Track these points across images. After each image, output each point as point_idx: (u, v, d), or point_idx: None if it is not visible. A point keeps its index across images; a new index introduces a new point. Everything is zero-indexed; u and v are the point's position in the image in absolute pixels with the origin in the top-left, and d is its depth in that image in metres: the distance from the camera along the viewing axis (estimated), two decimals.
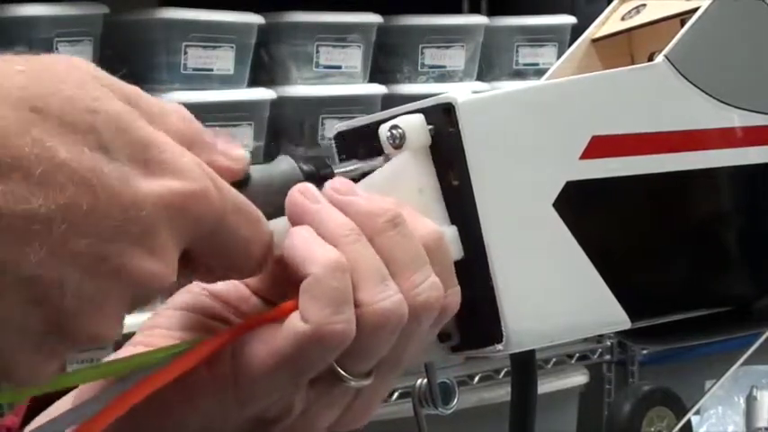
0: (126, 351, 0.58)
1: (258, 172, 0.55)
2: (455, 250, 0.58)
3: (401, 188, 0.58)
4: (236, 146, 0.54)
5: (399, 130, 0.59)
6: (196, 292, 0.59)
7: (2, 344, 0.46)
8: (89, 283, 0.46)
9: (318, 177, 0.57)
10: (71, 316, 0.46)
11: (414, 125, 0.59)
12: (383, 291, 0.53)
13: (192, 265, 0.52)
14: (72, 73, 0.47)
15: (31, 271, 0.45)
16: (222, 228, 0.50)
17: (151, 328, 0.58)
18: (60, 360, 0.48)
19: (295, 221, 0.54)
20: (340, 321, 0.52)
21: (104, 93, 0.48)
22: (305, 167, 0.57)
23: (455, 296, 0.57)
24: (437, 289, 0.55)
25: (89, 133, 0.46)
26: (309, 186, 0.55)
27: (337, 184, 0.56)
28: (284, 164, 0.57)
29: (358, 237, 0.54)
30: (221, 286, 0.59)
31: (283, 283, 0.57)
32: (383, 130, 0.59)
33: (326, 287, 0.52)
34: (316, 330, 0.52)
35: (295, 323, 0.52)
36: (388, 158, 0.59)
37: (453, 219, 0.59)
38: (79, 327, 0.47)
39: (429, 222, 0.57)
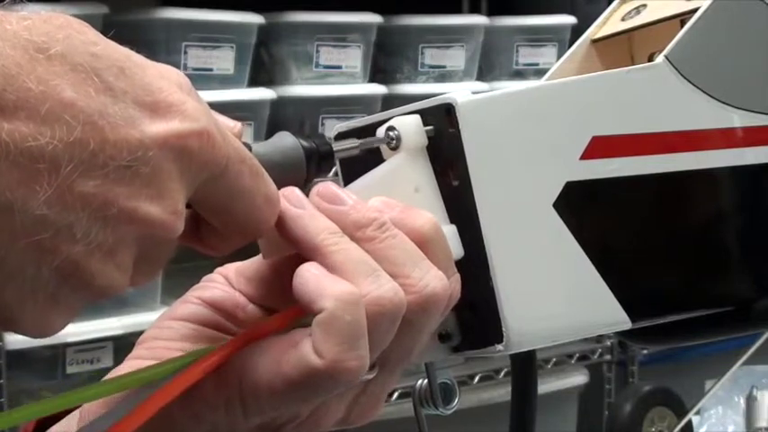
0: (126, 365, 0.58)
1: (260, 146, 0.55)
2: (455, 249, 0.58)
3: (397, 188, 0.58)
4: (230, 119, 0.54)
5: (395, 132, 0.59)
6: (192, 302, 0.59)
7: (13, 293, 0.46)
8: (98, 227, 0.46)
9: (318, 154, 0.57)
10: (81, 264, 0.46)
11: (410, 126, 0.59)
12: (374, 281, 0.53)
13: (199, 231, 0.52)
14: (71, 23, 0.47)
15: (40, 210, 0.45)
16: (226, 173, 0.50)
17: (150, 341, 0.58)
18: (71, 313, 0.48)
19: (278, 225, 0.54)
20: (354, 358, 0.52)
21: (104, 40, 0.48)
22: (305, 143, 0.57)
23: (456, 284, 0.57)
24: (441, 279, 0.55)
25: (94, 75, 0.46)
26: (294, 190, 0.55)
27: (323, 190, 0.56)
28: (285, 139, 0.57)
29: (341, 237, 0.54)
30: (217, 295, 0.59)
31: (279, 291, 0.57)
32: (380, 132, 0.60)
33: (341, 322, 0.52)
34: (329, 366, 0.52)
35: (308, 355, 0.52)
36: (387, 135, 0.59)
37: (453, 219, 0.59)
38: (89, 276, 0.47)
39: (424, 213, 0.57)
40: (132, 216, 0.47)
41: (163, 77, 0.49)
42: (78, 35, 0.47)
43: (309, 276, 0.53)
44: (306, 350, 0.52)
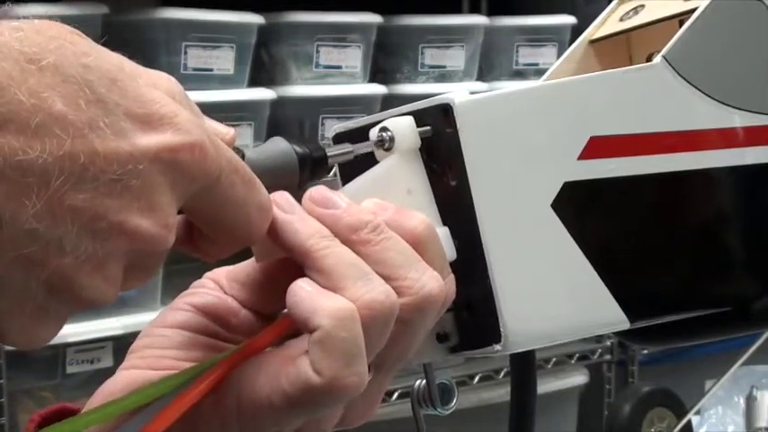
0: (120, 376, 0.57)
1: (253, 152, 0.55)
2: (448, 250, 0.58)
3: (390, 190, 0.58)
4: (222, 125, 0.53)
5: (389, 133, 0.59)
6: (184, 309, 0.59)
7: (1, 305, 0.46)
8: (87, 240, 0.46)
9: (312, 159, 0.57)
10: (70, 277, 0.46)
11: (403, 128, 0.59)
12: (365, 285, 0.53)
13: (192, 237, 0.52)
14: (64, 33, 0.47)
15: (29, 224, 0.44)
16: (218, 185, 0.50)
17: (142, 349, 0.58)
18: (60, 323, 0.48)
19: (269, 230, 0.54)
20: (353, 374, 0.52)
21: (96, 50, 0.48)
22: (298, 149, 0.57)
23: (451, 284, 0.57)
24: (437, 280, 0.55)
25: (85, 87, 0.46)
26: (284, 194, 0.55)
27: (315, 194, 0.55)
28: (278, 144, 0.57)
29: (332, 241, 0.54)
30: (210, 301, 0.58)
31: (273, 295, 0.57)
32: (373, 132, 0.59)
33: (337, 339, 0.51)
34: (328, 384, 0.52)
35: (306, 373, 0.52)
36: (380, 141, 0.59)
37: (451, 219, 0.59)
38: (78, 288, 0.46)
39: (418, 214, 0.57)
40: (122, 230, 0.46)
41: (156, 87, 0.49)
42: (70, 46, 0.47)
43: (303, 294, 0.52)
44: (304, 368, 0.52)
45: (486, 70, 2.66)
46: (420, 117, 0.60)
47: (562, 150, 0.61)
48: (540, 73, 2.56)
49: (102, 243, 0.46)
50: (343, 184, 0.62)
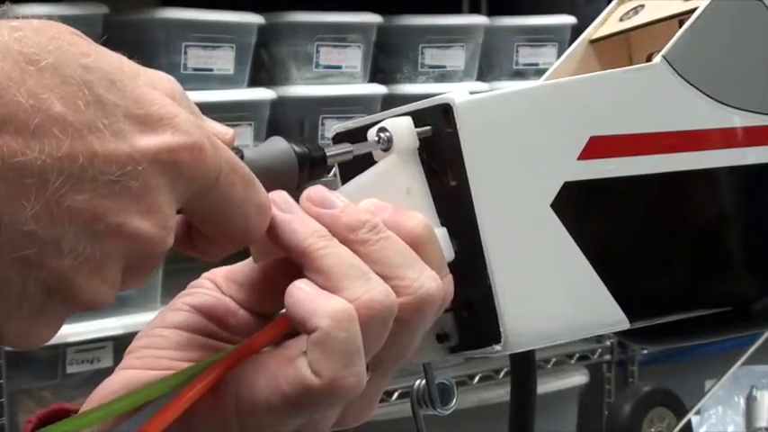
0: (118, 377, 0.57)
1: (252, 152, 0.55)
2: (446, 251, 0.58)
3: (388, 190, 0.58)
4: (221, 125, 0.53)
5: (387, 134, 0.59)
6: (182, 309, 0.59)
7: (0, 306, 0.46)
8: (85, 242, 0.46)
9: (311, 159, 0.57)
10: (68, 278, 0.46)
11: (401, 128, 0.59)
12: (364, 284, 0.53)
13: (191, 237, 0.52)
14: (63, 34, 0.47)
15: (27, 226, 0.44)
16: (217, 185, 0.49)
17: (140, 350, 0.58)
18: (58, 324, 0.48)
19: (267, 230, 0.54)
20: (352, 375, 0.52)
21: (95, 50, 0.48)
22: (297, 149, 0.57)
23: (449, 285, 0.57)
24: (435, 280, 0.55)
25: (84, 88, 0.46)
26: (282, 194, 0.55)
27: (313, 194, 0.55)
28: (277, 144, 0.57)
29: (330, 240, 0.54)
30: (208, 301, 0.58)
31: (271, 296, 0.57)
32: (371, 133, 0.59)
33: (336, 340, 0.51)
34: (327, 385, 0.52)
35: (305, 374, 0.52)
36: (380, 138, 0.59)
37: (451, 219, 0.59)
38: (76, 289, 0.46)
39: (416, 214, 0.57)
40: (120, 231, 0.46)
41: (155, 87, 0.49)
42: (70, 46, 0.46)
43: (301, 295, 0.52)
44: (303, 369, 0.52)
45: (486, 70, 2.66)
46: (420, 117, 0.60)
47: (562, 150, 0.61)
48: (540, 73, 2.56)
49: (100, 244, 0.46)
50: (343, 182, 0.62)
